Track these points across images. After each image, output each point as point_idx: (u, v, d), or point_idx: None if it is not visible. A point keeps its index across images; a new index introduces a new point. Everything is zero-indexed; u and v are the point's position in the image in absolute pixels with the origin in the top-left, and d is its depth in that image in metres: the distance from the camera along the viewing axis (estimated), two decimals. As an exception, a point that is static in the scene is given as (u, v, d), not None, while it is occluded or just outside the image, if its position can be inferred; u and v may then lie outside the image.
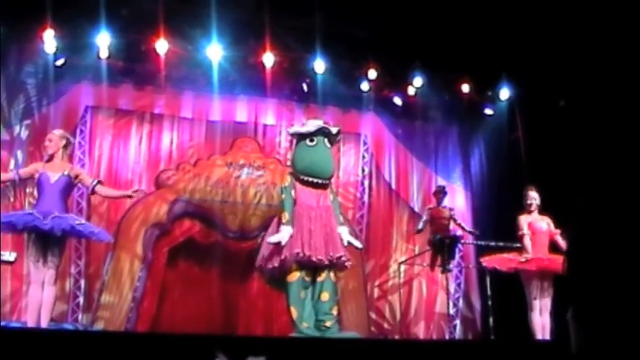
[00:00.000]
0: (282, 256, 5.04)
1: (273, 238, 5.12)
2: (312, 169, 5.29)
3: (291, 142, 9.29)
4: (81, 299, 8.27)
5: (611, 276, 1.45)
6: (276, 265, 5.11)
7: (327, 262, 5.13)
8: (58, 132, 5.97)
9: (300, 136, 5.46)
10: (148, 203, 8.65)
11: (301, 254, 5.00)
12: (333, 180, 5.80)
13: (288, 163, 5.47)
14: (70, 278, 8.22)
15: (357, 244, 5.49)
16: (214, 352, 3.42)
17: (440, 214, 8.33)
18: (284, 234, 5.04)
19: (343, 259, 5.21)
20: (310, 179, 5.27)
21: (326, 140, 5.41)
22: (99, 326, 7.98)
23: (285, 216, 5.22)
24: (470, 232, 8.38)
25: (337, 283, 5.34)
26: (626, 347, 1.43)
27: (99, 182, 5.85)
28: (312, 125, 5.43)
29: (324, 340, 4.87)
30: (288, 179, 5.46)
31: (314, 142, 5.32)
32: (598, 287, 1.44)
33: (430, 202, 8.83)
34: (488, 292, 8.03)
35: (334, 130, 5.47)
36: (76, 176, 5.72)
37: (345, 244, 5.25)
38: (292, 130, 5.63)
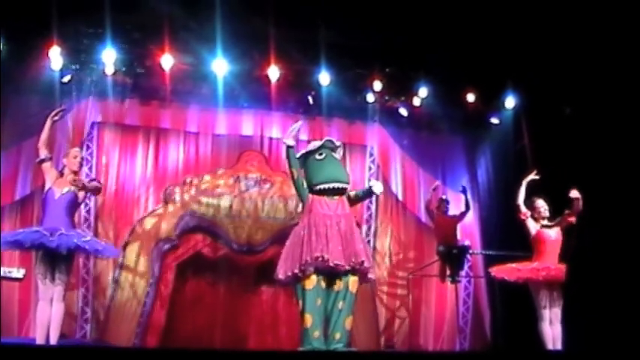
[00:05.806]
0: (303, 261, 4.95)
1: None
2: (329, 177, 5.23)
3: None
4: (89, 315, 8.27)
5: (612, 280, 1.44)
6: (296, 271, 5.00)
7: (348, 268, 5.03)
8: (80, 155, 6.05)
9: (307, 155, 5.41)
10: (155, 218, 8.67)
11: (321, 259, 4.93)
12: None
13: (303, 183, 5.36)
14: (78, 294, 8.22)
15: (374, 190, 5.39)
16: None
17: (446, 224, 8.30)
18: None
19: (366, 264, 5.11)
20: (330, 185, 5.19)
21: (333, 153, 5.41)
22: (107, 342, 7.97)
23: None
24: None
25: (355, 296, 5.19)
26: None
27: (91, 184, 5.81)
28: (317, 143, 5.47)
29: (333, 353, 4.83)
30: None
31: (322, 155, 5.32)
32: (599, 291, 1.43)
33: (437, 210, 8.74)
34: (498, 302, 7.96)
35: (338, 143, 5.49)
36: (82, 187, 5.66)
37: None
38: (299, 154, 5.51)
